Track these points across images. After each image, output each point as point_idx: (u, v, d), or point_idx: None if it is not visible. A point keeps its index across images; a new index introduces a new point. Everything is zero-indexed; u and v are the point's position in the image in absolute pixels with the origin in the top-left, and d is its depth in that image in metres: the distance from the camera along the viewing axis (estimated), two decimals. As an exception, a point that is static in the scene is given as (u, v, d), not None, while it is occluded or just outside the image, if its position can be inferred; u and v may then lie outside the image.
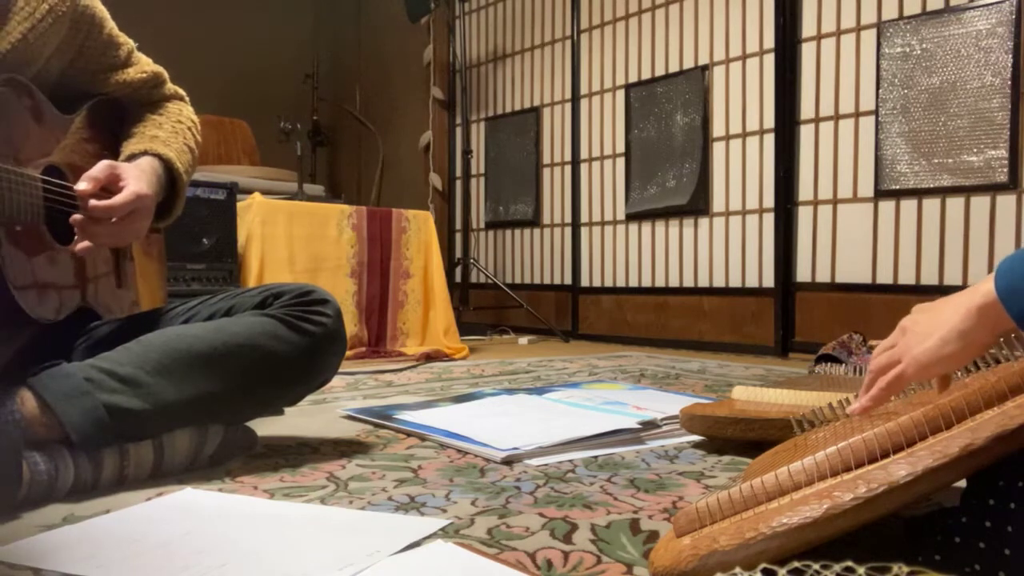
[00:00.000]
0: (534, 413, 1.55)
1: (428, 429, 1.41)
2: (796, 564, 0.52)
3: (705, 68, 3.10)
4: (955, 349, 0.74)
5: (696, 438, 1.37)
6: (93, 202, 1.07)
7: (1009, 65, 2.31)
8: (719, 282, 3.08)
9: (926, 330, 0.77)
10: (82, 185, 1.07)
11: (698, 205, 3.11)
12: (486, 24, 4.12)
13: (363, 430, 1.47)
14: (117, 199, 1.09)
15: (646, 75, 3.33)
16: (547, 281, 3.83)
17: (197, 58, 4.09)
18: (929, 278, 2.51)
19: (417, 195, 4.38)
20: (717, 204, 3.07)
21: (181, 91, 1.39)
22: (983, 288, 0.71)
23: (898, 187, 2.56)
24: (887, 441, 0.68)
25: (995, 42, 2.34)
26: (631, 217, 3.40)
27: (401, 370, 2.44)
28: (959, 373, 0.86)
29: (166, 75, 1.37)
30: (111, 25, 1.26)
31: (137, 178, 1.13)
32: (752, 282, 2.97)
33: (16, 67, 1.09)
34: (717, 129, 3.06)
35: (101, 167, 1.10)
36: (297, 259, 2.71)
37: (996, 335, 0.73)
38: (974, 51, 2.38)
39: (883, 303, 2.60)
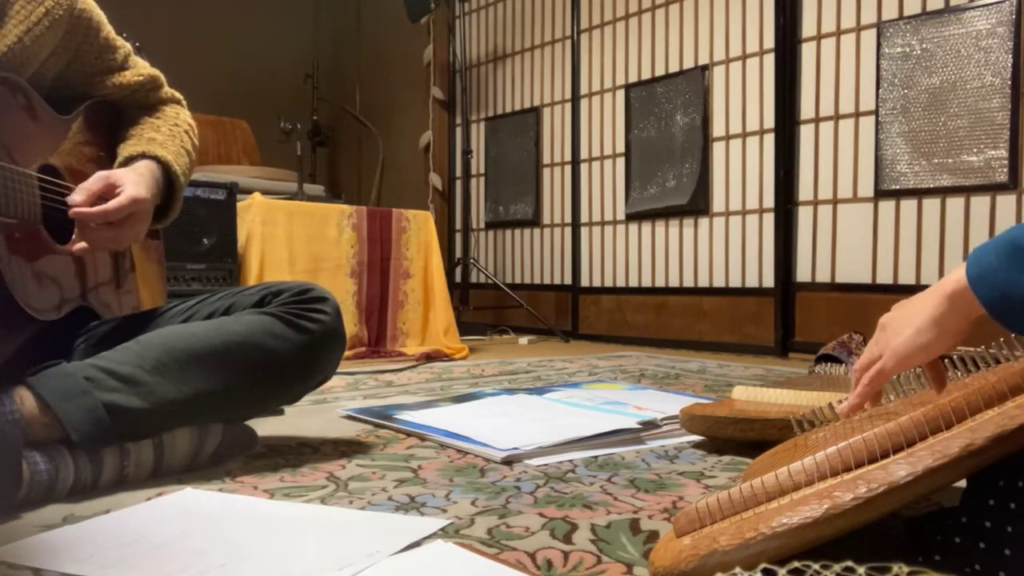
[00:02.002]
0: (534, 413, 1.55)
1: (428, 429, 1.41)
2: (796, 564, 0.52)
3: (705, 68, 3.10)
4: (930, 337, 0.75)
5: (696, 438, 1.37)
6: (87, 209, 1.07)
7: (1009, 65, 2.31)
8: (719, 282, 3.08)
9: (902, 324, 0.78)
10: (76, 197, 1.07)
11: (698, 205, 3.11)
12: (486, 24, 4.12)
13: (363, 430, 1.47)
14: (112, 204, 1.09)
15: (646, 75, 3.33)
16: (547, 281, 3.83)
17: (197, 58, 4.09)
18: (929, 278, 2.50)
19: (417, 195, 4.39)
20: (717, 204, 3.07)
21: (178, 95, 1.39)
22: (954, 276, 0.73)
23: (898, 187, 2.56)
24: (887, 441, 0.68)
25: (995, 42, 2.34)
26: (631, 217, 3.39)
27: (401, 370, 2.44)
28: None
29: (163, 79, 1.36)
30: (108, 28, 1.26)
31: (134, 183, 1.13)
32: (752, 282, 2.97)
33: (12, 69, 1.09)
34: (717, 129, 3.06)
35: (96, 179, 1.10)
36: (297, 259, 2.71)
37: (970, 321, 0.73)
38: (974, 51, 2.38)
39: (883, 303, 2.57)
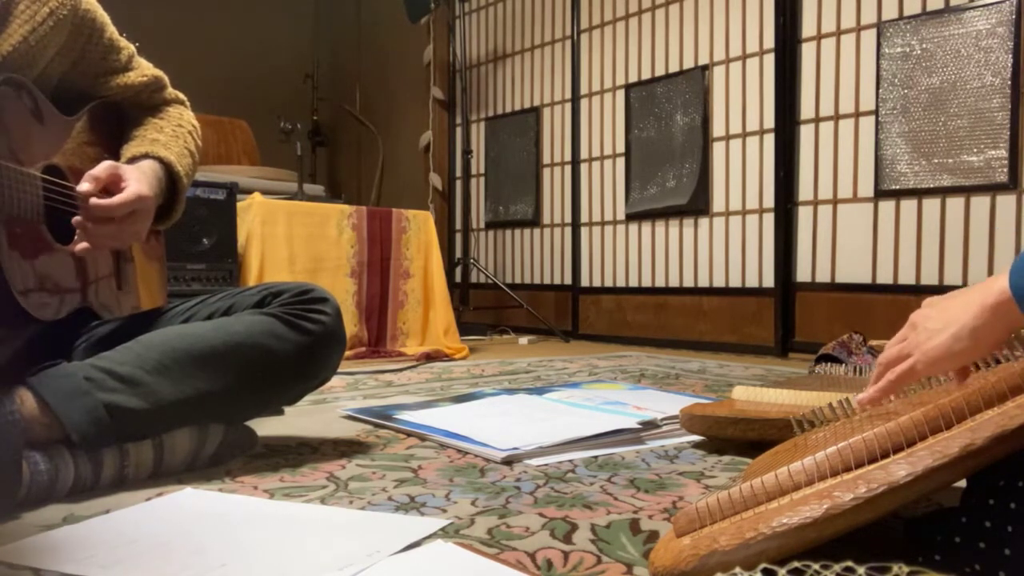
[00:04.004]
0: (534, 413, 1.55)
1: (428, 429, 1.41)
2: (796, 564, 0.53)
3: (705, 68, 3.10)
4: (966, 346, 0.74)
5: (696, 438, 1.37)
6: (94, 200, 1.07)
7: (1009, 65, 2.31)
8: (719, 282, 3.08)
9: (937, 325, 0.77)
10: (84, 185, 1.07)
11: (698, 205, 3.11)
12: (486, 24, 4.12)
13: (363, 430, 1.47)
14: (117, 199, 1.09)
15: (646, 75, 3.33)
16: (547, 281, 3.82)
17: (197, 58, 4.09)
18: (929, 278, 2.50)
19: (417, 195, 4.39)
20: (717, 204, 3.07)
21: (181, 95, 1.39)
22: (996, 286, 0.71)
23: (898, 187, 2.56)
24: (887, 441, 0.68)
25: (995, 42, 2.34)
26: (631, 217, 3.39)
27: (401, 370, 2.44)
28: (971, 367, 0.86)
29: (166, 79, 1.36)
30: (112, 29, 1.26)
31: (138, 180, 1.13)
32: (752, 282, 2.97)
33: (17, 69, 1.09)
34: (717, 129, 3.06)
35: (104, 167, 1.10)
36: (297, 259, 2.71)
37: (1009, 332, 0.73)
38: (974, 51, 2.38)
39: (883, 303, 2.60)
